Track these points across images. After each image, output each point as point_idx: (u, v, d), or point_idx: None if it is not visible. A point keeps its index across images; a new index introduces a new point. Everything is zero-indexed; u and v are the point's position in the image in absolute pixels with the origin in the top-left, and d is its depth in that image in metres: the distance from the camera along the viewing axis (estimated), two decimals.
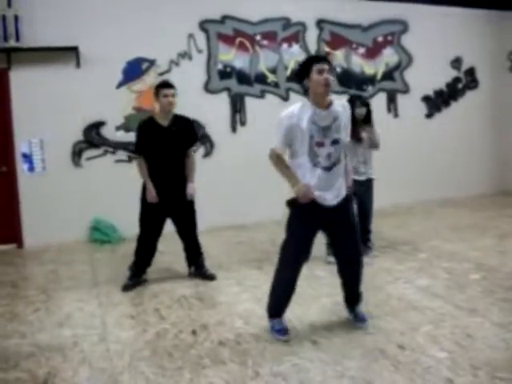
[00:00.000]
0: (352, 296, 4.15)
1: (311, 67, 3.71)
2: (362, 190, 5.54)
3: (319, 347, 3.75)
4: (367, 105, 5.83)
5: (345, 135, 3.86)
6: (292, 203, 3.84)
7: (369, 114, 5.83)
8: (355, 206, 4.15)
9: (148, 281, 5.44)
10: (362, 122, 5.74)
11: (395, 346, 3.70)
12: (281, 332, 3.92)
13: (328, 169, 3.76)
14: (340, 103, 3.88)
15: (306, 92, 3.81)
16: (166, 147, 5.11)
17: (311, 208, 3.79)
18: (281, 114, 3.78)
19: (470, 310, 4.29)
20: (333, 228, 3.97)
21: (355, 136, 5.37)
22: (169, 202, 5.23)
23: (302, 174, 3.78)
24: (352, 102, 5.44)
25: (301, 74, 3.82)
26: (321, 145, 3.71)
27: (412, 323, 4.06)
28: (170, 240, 5.67)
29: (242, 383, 3.29)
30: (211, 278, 5.44)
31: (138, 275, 5.36)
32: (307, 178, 3.76)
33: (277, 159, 3.91)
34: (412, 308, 4.39)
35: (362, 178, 5.76)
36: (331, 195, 3.81)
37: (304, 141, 3.71)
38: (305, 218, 3.85)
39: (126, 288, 5.23)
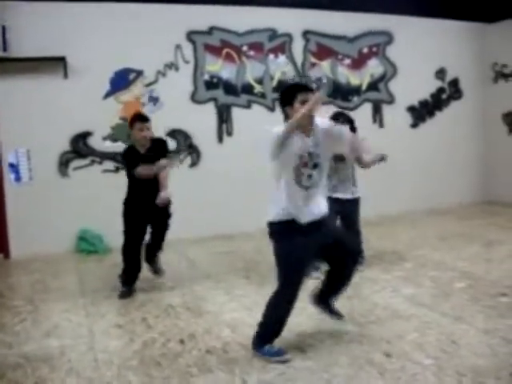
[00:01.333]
0: (335, 293, 4.15)
1: (295, 96, 3.66)
2: (348, 210, 5.62)
3: (306, 355, 3.77)
4: (351, 122, 5.54)
5: (327, 157, 3.82)
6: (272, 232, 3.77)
7: (353, 130, 5.59)
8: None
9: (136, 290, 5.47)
10: None
11: (381, 353, 3.73)
12: (276, 354, 3.71)
13: (306, 188, 3.69)
14: (321, 123, 3.75)
15: (286, 118, 3.73)
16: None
17: (293, 231, 3.68)
18: (274, 130, 3.58)
19: (455, 317, 4.33)
20: (322, 243, 3.79)
21: (338, 156, 5.38)
22: (148, 213, 5.35)
23: (288, 192, 3.66)
24: (335, 119, 5.24)
25: (283, 100, 3.78)
26: (305, 165, 3.66)
27: (398, 331, 4.09)
28: None
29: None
30: (159, 272, 5.72)
31: (131, 282, 5.41)
32: (291, 195, 3.66)
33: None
34: (398, 316, 4.42)
35: (348, 196, 5.69)
36: (307, 212, 3.70)
37: (292, 159, 3.62)
38: (292, 242, 3.70)
39: (123, 295, 5.29)
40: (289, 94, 3.75)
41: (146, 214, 5.36)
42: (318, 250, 3.84)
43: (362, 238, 5.79)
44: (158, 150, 5.37)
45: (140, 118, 5.36)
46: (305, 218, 3.69)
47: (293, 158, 3.63)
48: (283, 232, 3.71)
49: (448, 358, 3.59)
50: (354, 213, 5.77)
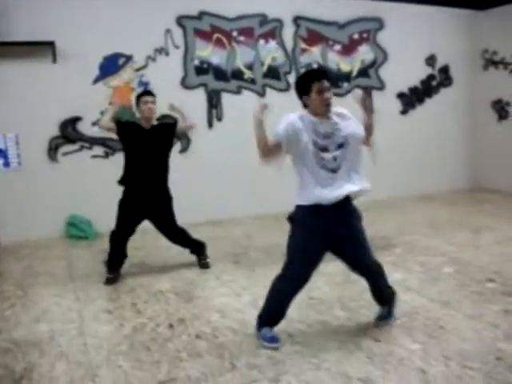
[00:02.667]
0: (379, 296, 4.03)
1: (310, 85, 3.57)
2: None
3: (295, 340, 3.81)
4: None
5: (354, 137, 3.69)
6: (291, 218, 3.71)
7: None
8: None
9: (122, 275, 5.49)
10: None
11: (370, 338, 3.77)
12: (271, 340, 3.73)
13: (333, 171, 3.60)
14: (337, 112, 3.71)
15: (304, 106, 3.67)
16: (145, 149, 5.28)
17: (313, 217, 3.62)
18: (288, 116, 3.59)
19: (442, 302, 4.37)
20: (339, 241, 3.71)
21: None
22: (146, 204, 5.35)
23: (309, 176, 3.60)
24: None
25: (299, 90, 3.68)
26: (325, 149, 3.57)
27: None
28: (144, 235, 5.68)
29: (218, 375, 3.33)
30: (205, 266, 5.63)
31: (115, 268, 5.41)
32: (314, 180, 3.58)
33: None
34: None
35: None
36: (334, 194, 3.58)
37: (308, 146, 3.53)
38: (308, 230, 3.64)
39: (109, 281, 5.30)
40: (304, 83, 3.65)
41: (144, 206, 5.35)
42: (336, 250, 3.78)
43: None
44: (164, 131, 5.43)
45: (145, 92, 5.45)
46: (330, 197, 3.57)
47: (307, 147, 3.55)
48: (303, 217, 3.65)
49: (435, 343, 3.63)
50: None
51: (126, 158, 5.38)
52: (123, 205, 5.35)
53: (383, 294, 4.01)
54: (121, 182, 5.37)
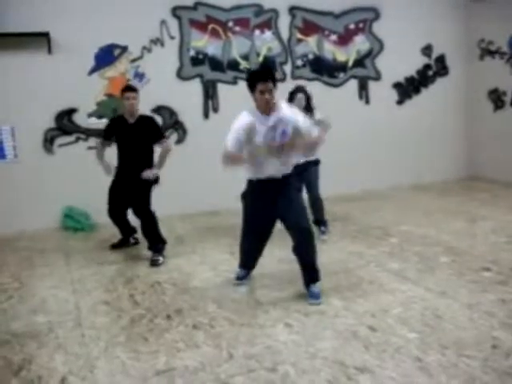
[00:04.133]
0: (304, 272, 4.42)
1: (255, 85, 4.11)
2: (309, 172, 5.97)
3: (292, 329, 3.82)
4: (309, 98, 6.02)
5: (294, 126, 4.28)
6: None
7: (309, 110, 5.95)
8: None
9: (139, 242, 6.09)
10: (304, 109, 5.79)
11: (366, 327, 3.78)
12: (237, 278, 4.81)
13: (279, 156, 4.28)
14: (285, 110, 4.27)
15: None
16: (129, 140, 5.76)
17: (260, 186, 4.42)
18: (236, 123, 4.31)
19: (439, 292, 4.39)
20: (278, 200, 4.35)
21: None
22: (128, 186, 5.75)
23: (259, 164, 4.32)
24: (294, 93, 5.97)
25: (248, 85, 4.23)
26: (272, 139, 4.21)
27: (383, 305, 4.15)
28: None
29: (216, 365, 3.34)
30: (153, 263, 5.57)
31: (123, 237, 6.21)
32: (263, 165, 4.32)
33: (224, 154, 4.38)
34: (383, 291, 4.48)
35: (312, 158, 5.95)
36: (279, 173, 4.35)
37: (259, 138, 4.22)
38: (256, 195, 4.50)
39: (112, 247, 6.18)
40: (250, 81, 4.20)
41: (126, 184, 5.77)
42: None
43: (322, 204, 6.22)
44: (146, 125, 5.80)
45: (127, 88, 5.82)
46: (264, 175, 4.36)
47: (258, 141, 4.25)
48: (249, 189, 4.54)
49: (431, 332, 3.65)
50: (314, 174, 6.10)
51: (117, 146, 5.89)
52: (111, 184, 5.93)
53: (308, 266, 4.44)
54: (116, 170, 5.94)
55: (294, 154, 4.45)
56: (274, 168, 4.33)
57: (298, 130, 4.29)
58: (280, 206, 4.37)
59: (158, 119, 7.67)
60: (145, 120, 5.86)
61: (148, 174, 5.69)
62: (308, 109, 5.96)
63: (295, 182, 4.62)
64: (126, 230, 6.16)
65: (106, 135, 5.98)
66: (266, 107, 4.16)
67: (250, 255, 4.83)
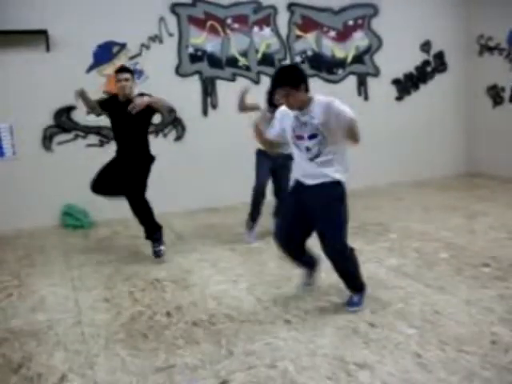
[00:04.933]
0: (343, 280, 4.16)
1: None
2: (279, 165, 5.77)
3: (292, 326, 3.82)
4: None
5: (328, 131, 3.82)
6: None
7: None
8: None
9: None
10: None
11: (366, 323, 3.78)
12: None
13: (310, 159, 3.88)
14: (320, 103, 3.85)
15: None
16: (122, 119, 5.48)
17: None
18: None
19: (438, 287, 4.39)
20: (311, 209, 3.93)
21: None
22: (121, 167, 5.55)
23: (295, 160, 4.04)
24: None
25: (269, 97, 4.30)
26: (300, 138, 3.87)
27: (382, 301, 4.15)
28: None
29: (216, 362, 3.34)
30: (157, 255, 5.54)
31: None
32: (297, 165, 4.03)
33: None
34: (382, 287, 4.48)
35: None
36: (311, 181, 3.91)
37: (290, 133, 3.92)
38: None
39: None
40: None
41: (121, 163, 5.56)
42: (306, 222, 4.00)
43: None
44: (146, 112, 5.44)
45: (119, 69, 5.54)
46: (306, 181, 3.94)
47: (288, 133, 3.94)
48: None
49: (431, 328, 3.65)
50: (284, 171, 5.62)
51: (112, 128, 5.73)
52: (108, 162, 5.74)
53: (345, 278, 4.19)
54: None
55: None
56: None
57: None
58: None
59: (157, 116, 7.68)
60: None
61: (137, 103, 5.15)
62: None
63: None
64: (110, 191, 5.72)
65: (100, 103, 5.77)
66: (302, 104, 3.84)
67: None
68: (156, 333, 3.83)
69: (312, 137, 3.82)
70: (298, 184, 4.01)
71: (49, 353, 3.62)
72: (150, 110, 5.40)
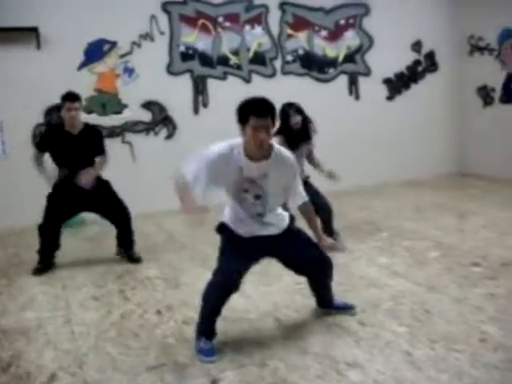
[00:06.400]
0: (325, 297, 3.95)
1: (247, 118, 3.19)
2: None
3: (282, 324, 3.83)
4: (301, 112, 5.29)
5: (279, 190, 3.45)
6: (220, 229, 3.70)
7: (305, 122, 5.34)
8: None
9: (55, 265, 5.48)
10: (300, 133, 5.29)
11: (356, 322, 3.79)
12: (210, 352, 3.40)
13: (259, 215, 3.51)
14: (281, 155, 3.37)
15: (242, 131, 3.33)
16: (72, 153, 5.20)
17: (244, 241, 3.52)
18: (210, 150, 3.52)
19: (428, 286, 4.40)
20: (281, 251, 3.61)
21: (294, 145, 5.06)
22: (80, 197, 5.27)
23: (235, 213, 3.60)
24: (285, 111, 5.17)
25: (239, 116, 3.29)
26: (246, 191, 3.43)
27: (373, 300, 4.16)
28: (134, 223, 5.66)
29: (206, 361, 3.34)
30: (137, 260, 5.47)
31: (45, 259, 5.40)
32: (238, 218, 3.57)
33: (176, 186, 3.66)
34: (373, 285, 4.49)
35: None
36: (265, 232, 3.52)
37: (230, 184, 3.46)
38: (237, 247, 3.52)
39: (36, 271, 5.28)
40: (243, 112, 3.26)
41: (76, 197, 5.27)
42: (284, 262, 3.72)
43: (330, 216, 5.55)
44: (91, 138, 5.29)
45: (68, 97, 5.16)
46: (248, 234, 3.52)
47: (229, 183, 3.45)
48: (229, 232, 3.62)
49: (421, 326, 3.66)
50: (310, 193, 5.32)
51: (55, 160, 5.32)
52: (51, 199, 5.35)
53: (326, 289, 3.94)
54: (55, 184, 5.36)
55: None
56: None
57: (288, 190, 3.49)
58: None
59: (148, 115, 7.68)
60: (91, 131, 5.35)
61: (80, 179, 5.15)
62: (304, 137, 5.37)
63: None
64: (55, 246, 5.48)
65: (40, 147, 5.39)
66: (261, 149, 3.25)
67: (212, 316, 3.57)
68: (147, 331, 3.83)
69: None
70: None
71: (38, 351, 3.60)
72: (99, 144, 5.35)
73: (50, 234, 5.38)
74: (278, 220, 3.58)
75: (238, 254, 3.47)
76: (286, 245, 3.57)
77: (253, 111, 3.17)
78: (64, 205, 5.32)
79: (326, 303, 3.95)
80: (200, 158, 3.47)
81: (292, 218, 3.65)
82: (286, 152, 3.44)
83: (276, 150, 3.34)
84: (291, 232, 3.61)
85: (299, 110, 5.27)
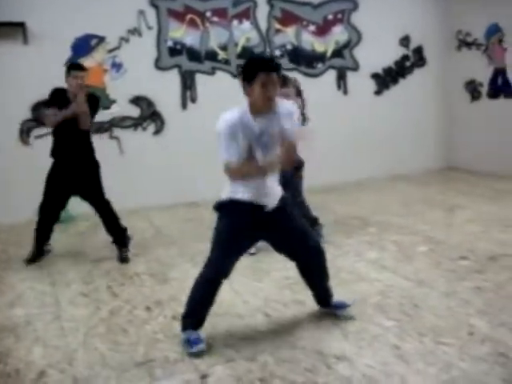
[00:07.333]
0: (325, 294, 3.88)
1: (256, 74, 3.23)
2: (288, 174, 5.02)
3: (271, 319, 3.84)
4: (294, 84, 5.44)
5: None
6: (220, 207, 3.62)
7: (299, 94, 5.50)
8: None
9: (51, 251, 5.58)
10: None
11: (345, 316, 3.79)
12: (196, 341, 3.42)
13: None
14: (286, 107, 3.46)
15: (244, 91, 3.35)
16: (69, 121, 5.15)
17: (246, 215, 3.48)
18: (219, 125, 3.40)
19: (417, 281, 4.42)
20: (275, 232, 3.61)
21: None
22: (72, 179, 5.30)
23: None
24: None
25: (245, 75, 3.32)
26: (257, 148, 3.41)
27: (361, 294, 4.17)
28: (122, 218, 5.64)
29: (195, 356, 3.34)
30: (124, 260, 5.39)
31: (41, 245, 5.48)
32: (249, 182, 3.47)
33: (234, 170, 3.47)
34: (361, 280, 4.51)
35: None
36: (269, 200, 3.51)
37: (243, 147, 3.37)
38: (237, 228, 3.51)
39: (30, 261, 5.38)
40: (250, 70, 3.28)
41: (70, 178, 5.29)
42: (275, 244, 3.70)
43: (306, 208, 5.53)
44: (90, 103, 5.20)
45: (76, 66, 5.25)
46: (253, 198, 3.47)
47: (246, 144, 3.39)
48: (230, 210, 3.55)
49: (409, 320, 3.68)
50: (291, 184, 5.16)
51: (53, 131, 5.35)
52: (51, 178, 5.36)
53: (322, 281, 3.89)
54: (51, 154, 5.38)
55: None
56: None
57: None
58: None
59: (136, 110, 7.66)
60: (90, 98, 5.25)
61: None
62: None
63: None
64: (48, 235, 5.51)
65: (50, 104, 5.29)
66: (269, 105, 3.31)
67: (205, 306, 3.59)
68: (136, 327, 3.82)
69: None
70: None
71: (27, 348, 3.59)
72: (93, 105, 5.29)
73: (49, 214, 5.41)
74: (276, 188, 3.59)
75: (233, 241, 3.52)
76: (282, 224, 3.57)
77: (261, 67, 3.25)
78: (61, 186, 5.31)
79: (323, 302, 3.89)
80: (221, 138, 3.41)
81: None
82: (287, 103, 3.57)
83: (280, 104, 3.42)
84: (288, 215, 3.61)
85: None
